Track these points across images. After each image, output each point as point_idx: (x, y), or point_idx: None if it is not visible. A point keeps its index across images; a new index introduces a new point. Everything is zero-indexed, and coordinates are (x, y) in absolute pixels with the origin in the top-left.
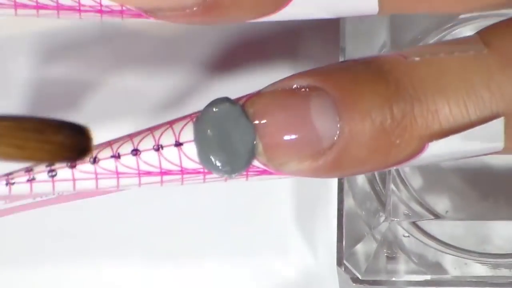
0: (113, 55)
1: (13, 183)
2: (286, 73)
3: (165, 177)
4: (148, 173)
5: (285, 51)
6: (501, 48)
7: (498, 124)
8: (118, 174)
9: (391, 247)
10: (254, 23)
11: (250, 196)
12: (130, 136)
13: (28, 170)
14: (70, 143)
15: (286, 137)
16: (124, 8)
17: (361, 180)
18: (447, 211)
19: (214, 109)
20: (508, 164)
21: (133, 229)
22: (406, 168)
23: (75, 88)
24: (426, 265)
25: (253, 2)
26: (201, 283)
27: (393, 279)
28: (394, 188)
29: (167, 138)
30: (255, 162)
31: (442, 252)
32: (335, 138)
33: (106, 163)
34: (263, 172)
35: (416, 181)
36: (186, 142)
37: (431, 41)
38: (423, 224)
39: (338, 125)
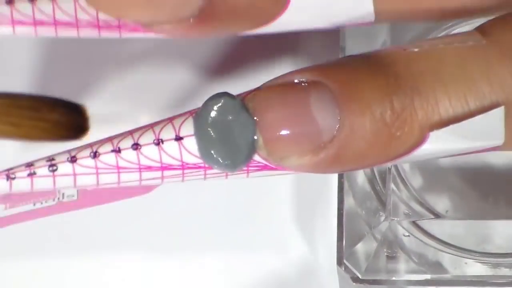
0: (112, 55)
1: (14, 178)
2: None
3: (166, 172)
4: (149, 168)
5: (285, 50)
6: (499, 40)
7: (498, 114)
8: (118, 168)
9: (391, 247)
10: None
11: (250, 196)
12: (130, 132)
13: (29, 165)
14: (65, 121)
15: (286, 131)
16: (121, 22)
17: (361, 179)
18: (447, 211)
19: (214, 103)
20: (508, 163)
21: (133, 228)
22: (406, 168)
23: (74, 88)
24: (426, 265)
25: (249, 10)
26: (201, 282)
27: (393, 278)
28: (394, 188)
29: (167, 133)
30: (256, 157)
31: (442, 251)
32: (335, 132)
33: (107, 157)
34: (264, 167)
35: (416, 181)
36: (187, 136)
37: None
38: (423, 223)
39: (338, 118)
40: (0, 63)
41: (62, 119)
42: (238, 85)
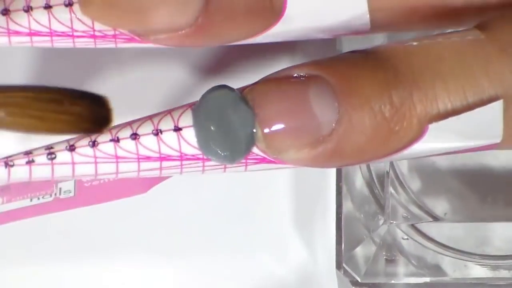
0: (111, 54)
1: (12, 165)
2: None
3: (164, 163)
4: (147, 158)
5: (283, 50)
6: (498, 35)
7: (497, 107)
8: (117, 158)
9: (390, 250)
10: None
11: (249, 200)
12: (129, 123)
13: (27, 153)
14: (89, 113)
15: (285, 123)
16: (117, 32)
17: (359, 183)
18: (445, 213)
19: (212, 95)
20: (507, 165)
21: (131, 228)
22: (404, 171)
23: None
24: (425, 268)
25: (244, 18)
26: (199, 285)
27: (393, 281)
28: (393, 191)
29: (166, 123)
30: (255, 150)
31: (441, 254)
32: (334, 125)
33: (105, 146)
34: (262, 160)
35: (415, 184)
36: (185, 127)
37: None
38: (422, 226)
39: (337, 112)
40: None
41: (85, 111)
42: (236, 85)
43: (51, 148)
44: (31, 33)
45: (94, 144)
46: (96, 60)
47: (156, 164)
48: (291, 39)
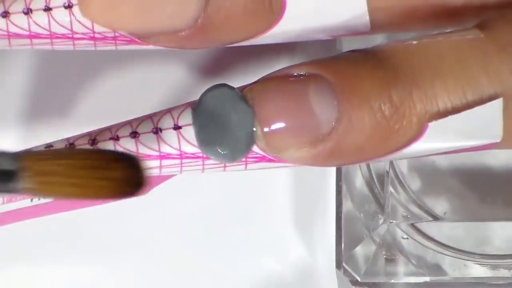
0: (110, 54)
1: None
2: None
3: (164, 162)
4: (148, 156)
5: (283, 51)
6: (497, 34)
7: (496, 105)
8: None
9: (390, 249)
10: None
11: (248, 200)
12: (129, 121)
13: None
14: (126, 177)
15: (285, 122)
16: (117, 34)
17: (359, 182)
18: (445, 213)
19: (212, 93)
20: (506, 164)
21: (130, 229)
22: (404, 170)
23: (73, 88)
24: (425, 267)
25: (244, 19)
26: (199, 284)
27: (392, 281)
28: (393, 190)
29: (166, 122)
30: (255, 148)
31: (441, 253)
32: (334, 124)
33: (105, 145)
34: (262, 159)
35: (415, 183)
36: (185, 125)
37: None
38: (422, 226)
39: (337, 111)
40: None
41: (122, 175)
42: (236, 86)
43: (51, 146)
44: (31, 36)
45: (93, 142)
46: (96, 60)
47: (156, 163)
48: (291, 40)
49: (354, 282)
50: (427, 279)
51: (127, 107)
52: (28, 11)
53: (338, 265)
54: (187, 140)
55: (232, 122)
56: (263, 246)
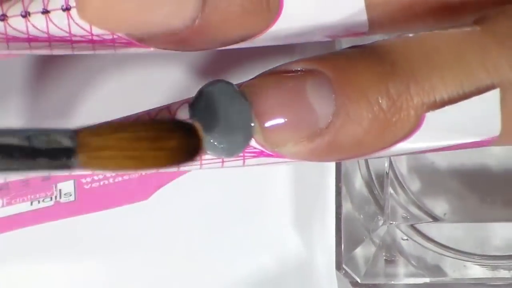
0: (109, 54)
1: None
2: None
3: None
4: None
5: (281, 53)
6: (494, 27)
7: (494, 96)
8: None
9: (390, 251)
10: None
11: (248, 200)
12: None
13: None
14: (183, 146)
15: (282, 117)
16: (115, 36)
17: (359, 183)
18: (445, 214)
19: (210, 89)
20: (505, 165)
21: (130, 229)
22: (403, 171)
23: (73, 89)
24: (425, 268)
25: (242, 18)
26: (198, 284)
27: (392, 282)
28: (392, 192)
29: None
30: (253, 143)
31: (441, 254)
32: (331, 118)
33: None
34: (260, 154)
35: (414, 184)
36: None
37: None
38: (422, 227)
39: (334, 105)
40: None
41: (180, 144)
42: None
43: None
44: (29, 39)
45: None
46: (96, 61)
47: None
48: (289, 41)
49: (354, 283)
50: (427, 280)
51: (127, 108)
52: (26, 14)
53: (338, 267)
54: None
55: (230, 117)
56: (263, 246)
